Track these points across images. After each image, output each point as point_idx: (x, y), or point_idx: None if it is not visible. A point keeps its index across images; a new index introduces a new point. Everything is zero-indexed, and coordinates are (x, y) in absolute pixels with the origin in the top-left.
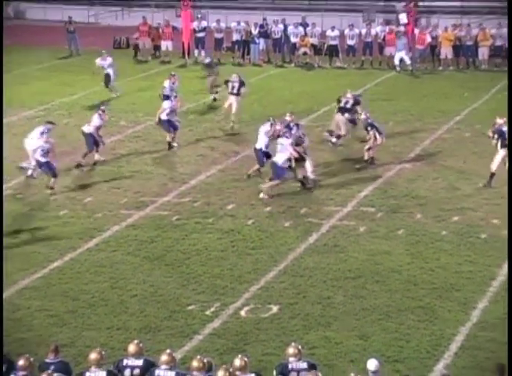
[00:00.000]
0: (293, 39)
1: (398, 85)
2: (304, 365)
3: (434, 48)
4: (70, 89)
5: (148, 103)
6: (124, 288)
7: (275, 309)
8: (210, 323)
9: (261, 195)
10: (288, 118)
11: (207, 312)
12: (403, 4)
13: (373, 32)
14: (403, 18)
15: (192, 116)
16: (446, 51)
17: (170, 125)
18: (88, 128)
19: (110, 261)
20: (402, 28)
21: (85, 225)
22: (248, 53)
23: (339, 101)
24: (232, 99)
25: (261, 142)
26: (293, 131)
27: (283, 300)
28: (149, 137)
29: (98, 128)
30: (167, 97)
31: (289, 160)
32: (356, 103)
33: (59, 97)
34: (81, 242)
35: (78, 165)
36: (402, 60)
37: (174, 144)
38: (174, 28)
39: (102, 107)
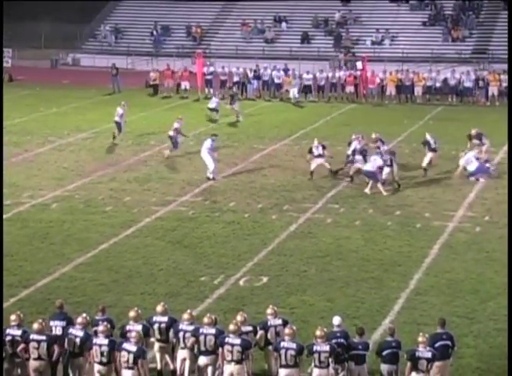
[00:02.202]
0: (276, 80)
1: (355, 115)
2: (280, 321)
3: (382, 87)
4: (113, 118)
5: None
6: (153, 264)
7: (265, 279)
8: (217, 290)
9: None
10: (374, 136)
11: (215, 282)
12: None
13: (337, 75)
14: (359, 65)
15: (203, 137)
16: (391, 89)
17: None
18: (171, 132)
19: (143, 244)
20: (358, 72)
21: (125, 218)
22: (245, 91)
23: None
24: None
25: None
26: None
27: (271, 273)
28: (172, 153)
29: (177, 131)
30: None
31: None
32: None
33: (105, 124)
34: (122, 230)
35: (167, 157)
36: (294, 94)
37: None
38: (190, 72)
39: (180, 117)
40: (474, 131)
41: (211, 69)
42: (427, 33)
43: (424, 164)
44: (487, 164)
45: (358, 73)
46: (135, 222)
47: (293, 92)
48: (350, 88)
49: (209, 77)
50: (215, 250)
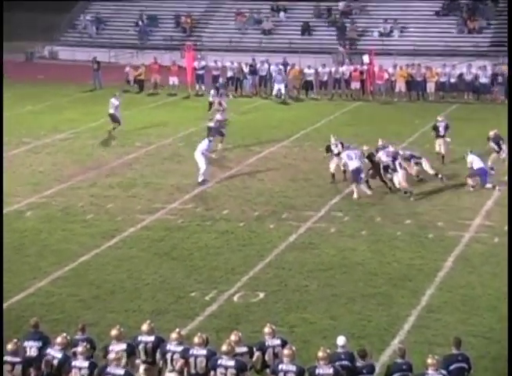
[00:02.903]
0: (274, 76)
1: (361, 114)
2: (278, 341)
3: (391, 83)
4: (94, 117)
5: (158, 127)
6: (138, 278)
7: (261, 295)
8: (209, 307)
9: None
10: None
11: (206, 298)
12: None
13: (340, 70)
14: (366, 59)
15: (194, 138)
16: (401, 85)
17: None
18: (211, 123)
19: (128, 256)
20: (365, 67)
21: (107, 227)
22: (240, 87)
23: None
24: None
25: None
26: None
27: (268, 288)
28: (159, 155)
29: (220, 121)
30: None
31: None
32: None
33: (86, 123)
34: (104, 240)
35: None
36: (279, 90)
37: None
38: (179, 67)
39: (221, 108)
40: (492, 133)
41: (203, 63)
42: (441, 23)
43: (437, 149)
44: (491, 171)
45: (365, 67)
46: (119, 231)
47: (280, 88)
48: (355, 85)
49: (200, 72)
50: (207, 262)
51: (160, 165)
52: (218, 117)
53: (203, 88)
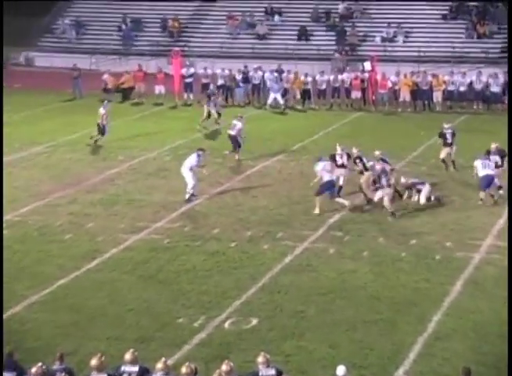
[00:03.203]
0: (269, 84)
1: (362, 125)
2: (273, 371)
3: (394, 92)
4: (73, 128)
5: (143, 140)
6: (121, 303)
7: (254, 321)
8: (198, 334)
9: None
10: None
11: (195, 325)
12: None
13: (340, 78)
14: (367, 66)
15: (181, 151)
16: (405, 94)
17: None
18: (232, 131)
19: (109, 279)
20: (366, 75)
21: (87, 248)
22: (232, 96)
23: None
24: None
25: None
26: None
27: (262, 313)
28: (144, 170)
29: (240, 131)
30: None
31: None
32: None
33: (64, 135)
34: (84, 262)
35: (238, 160)
36: (275, 100)
37: None
38: (166, 74)
39: (239, 115)
40: (493, 146)
41: (191, 70)
42: (448, 28)
43: (442, 156)
44: (497, 183)
45: (366, 75)
46: (100, 252)
47: (277, 97)
48: (356, 94)
49: (188, 80)
50: (195, 286)
51: (144, 181)
52: (239, 125)
53: (191, 97)
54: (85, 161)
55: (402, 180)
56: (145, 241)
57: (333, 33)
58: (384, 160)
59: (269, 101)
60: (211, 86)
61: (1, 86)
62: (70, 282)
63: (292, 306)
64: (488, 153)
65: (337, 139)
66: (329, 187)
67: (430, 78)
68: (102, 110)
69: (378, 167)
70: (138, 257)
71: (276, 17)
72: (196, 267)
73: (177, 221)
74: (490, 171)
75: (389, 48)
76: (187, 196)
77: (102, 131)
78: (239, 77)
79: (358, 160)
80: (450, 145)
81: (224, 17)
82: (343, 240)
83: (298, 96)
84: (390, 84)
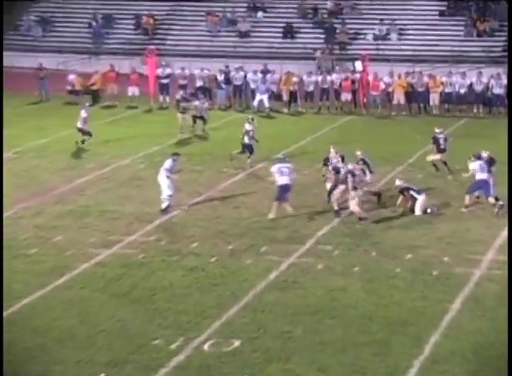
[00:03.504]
0: (252, 86)
1: (353, 129)
2: None
3: (388, 94)
4: (40, 133)
5: (115, 146)
6: (91, 324)
7: (237, 343)
8: (175, 357)
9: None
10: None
11: (172, 347)
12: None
13: (328, 79)
14: (358, 65)
15: (157, 158)
16: (399, 96)
17: None
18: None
19: (79, 297)
20: (357, 75)
21: (55, 264)
22: (211, 99)
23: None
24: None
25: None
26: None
27: (245, 335)
28: (116, 178)
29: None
30: None
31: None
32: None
33: (30, 140)
34: (51, 279)
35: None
36: (261, 101)
37: None
38: (140, 75)
39: (249, 117)
40: (485, 155)
41: (167, 71)
42: (446, 25)
43: (431, 158)
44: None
45: (357, 76)
46: (69, 268)
47: (263, 99)
48: (346, 96)
49: (164, 81)
50: (172, 305)
51: (117, 190)
52: (250, 128)
53: (167, 99)
54: (53, 169)
55: (397, 183)
56: (117, 256)
57: (321, 30)
58: (364, 161)
59: (255, 103)
60: (181, 92)
61: (1, 86)
62: (35, 301)
63: (277, 326)
64: (479, 158)
65: (325, 144)
66: (289, 190)
67: (426, 79)
68: (83, 113)
69: (350, 167)
70: (111, 273)
71: (260, 13)
72: (173, 284)
73: (152, 234)
74: (485, 176)
75: (382, 47)
76: (163, 205)
77: (86, 133)
78: (221, 77)
79: (361, 163)
80: (444, 151)
81: (203, 13)
82: (332, 255)
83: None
84: (383, 86)
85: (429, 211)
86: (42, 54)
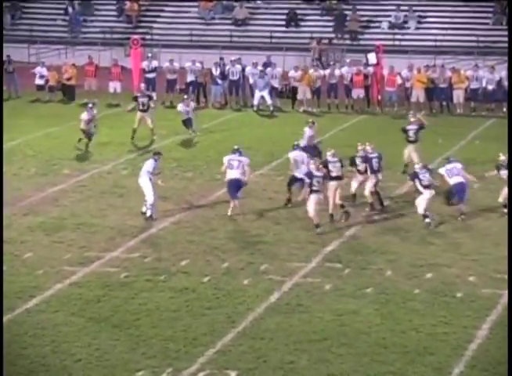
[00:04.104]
0: (251, 80)
1: (365, 131)
2: None
3: (405, 90)
4: (8, 135)
5: (94, 150)
6: (66, 352)
7: (233, 374)
8: None
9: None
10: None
11: None
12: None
13: (337, 73)
14: (372, 58)
15: (142, 164)
16: (418, 93)
17: None
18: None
19: (52, 322)
20: (370, 69)
21: (24, 284)
22: (205, 96)
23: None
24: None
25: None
26: None
27: (242, 365)
28: (95, 187)
29: (311, 139)
30: None
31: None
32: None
33: None
34: (20, 302)
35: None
36: (262, 99)
37: None
38: (122, 68)
39: (310, 120)
40: (503, 158)
41: (154, 64)
42: (471, 12)
43: (405, 157)
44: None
45: (371, 70)
46: (40, 289)
47: (263, 95)
48: (358, 92)
49: (150, 75)
50: (159, 331)
51: (96, 200)
52: (309, 132)
53: (154, 96)
54: (22, 176)
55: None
56: (96, 275)
57: (329, 17)
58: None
59: (255, 101)
60: (142, 86)
61: (1, 86)
62: (2, 326)
63: (279, 356)
64: (498, 168)
65: (335, 147)
66: (239, 187)
67: (449, 73)
68: (84, 116)
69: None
70: (89, 295)
71: None
72: (159, 307)
73: (136, 250)
74: (461, 179)
75: (398, 37)
76: (148, 212)
77: (88, 134)
78: (216, 72)
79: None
80: (414, 142)
81: None
82: (342, 274)
83: (309, 96)
84: (399, 81)
85: (427, 220)
86: (11, 44)
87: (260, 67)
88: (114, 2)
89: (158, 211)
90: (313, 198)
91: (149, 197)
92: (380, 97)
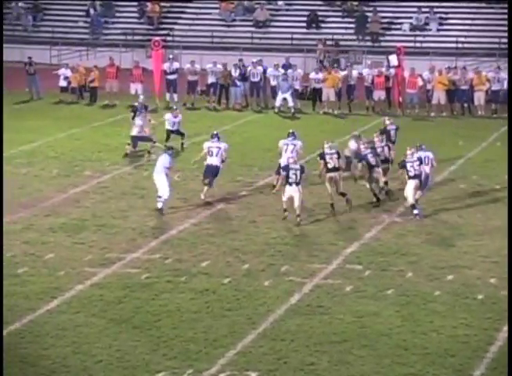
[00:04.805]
0: (273, 82)
1: None
2: None
3: (427, 92)
4: (30, 136)
5: (115, 151)
6: (87, 353)
7: (253, 375)
8: None
9: None
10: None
11: None
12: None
13: (354, 74)
14: (393, 60)
15: None
16: (439, 95)
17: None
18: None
19: (73, 323)
20: (392, 71)
21: (46, 285)
22: (226, 97)
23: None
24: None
25: None
26: None
27: (263, 366)
28: (116, 188)
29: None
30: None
31: None
32: None
33: (18, 145)
34: (42, 303)
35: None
36: (284, 100)
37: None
38: (144, 70)
39: (356, 133)
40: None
41: (175, 65)
42: (492, 13)
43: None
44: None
45: (392, 71)
46: (62, 290)
47: (287, 97)
48: (379, 94)
49: (171, 76)
50: (180, 332)
51: (117, 202)
52: (354, 146)
53: (175, 98)
54: (44, 177)
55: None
56: (117, 276)
57: (350, 19)
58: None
59: (277, 103)
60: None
61: (1, 86)
62: (23, 327)
63: (299, 357)
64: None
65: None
66: (216, 174)
67: (470, 75)
68: (138, 121)
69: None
70: (109, 296)
71: (280, 0)
72: (180, 309)
73: (157, 251)
74: (428, 169)
75: (419, 39)
76: (159, 204)
77: (181, 133)
78: (235, 73)
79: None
80: (393, 143)
81: (215, 1)
82: (362, 276)
83: (333, 98)
84: (421, 83)
85: (415, 211)
86: (33, 46)
87: (281, 69)
88: (136, 4)
89: (179, 212)
90: (287, 190)
91: (165, 193)
92: (400, 99)
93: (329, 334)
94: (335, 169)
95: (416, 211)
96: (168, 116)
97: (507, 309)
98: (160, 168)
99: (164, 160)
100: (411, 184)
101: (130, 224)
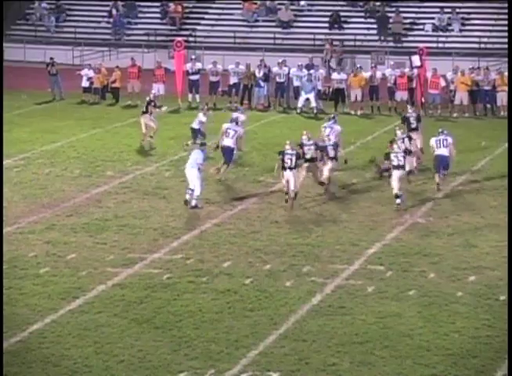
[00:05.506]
0: (296, 83)
1: None
2: None
3: (450, 92)
4: (52, 136)
5: (137, 151)
6: (109, 353)
7: None
8: None
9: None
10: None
11: None
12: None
13: (378, 75)
14: (416, 60)
15: (185, 165)
16: (462, 96)
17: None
18: None
19: (95, 323)
20: (414, 71)
21: (68, 285)
22: (249, 98)
23: None
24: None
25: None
26: None
27: (284, 367)
28: (138, 188)
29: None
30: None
31: None
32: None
33: (41, 145)
34: (63, 303)
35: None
36: (307, 101)
37: None
38: (166, 70)
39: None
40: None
41: (197, 66)
42: None
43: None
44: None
45: (415, 72)
46: (83, 290)
47: (310, 98)
48: (402, 95)
49: (194, 77)
50: (201, 332)
51: (139, 202)
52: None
53: (197, 98)
54: (66, 177)
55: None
56: (139, 276)
57: (372, 20)
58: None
59: (300, 103)
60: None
61: (1, 86)
62: (46, 327)
63: (321, 358)
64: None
65: (377, 151)
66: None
67: (493, 76)
68: (203, 117)
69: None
70: (131, 296)
71: (303, 1)
72: (202, 309)
73: (179, 251)
74: (445, 152)
75: (442, 39)
76: (193, 202)
77: (202, 134)
78: (259, 74)
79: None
80: (415, 129)
81: (238, 0)
82: (384, 276)
83: (359, 98)
84: (443, 84)
85: (398, 201)
86: (55, 47)
87: (305, 70)
88: (158, 5)
89: (201, 213)
90: (285, 174)
91: (197, 188)
92: (423, 99)
93: (351, 334)
94: (311, 160)
95: (398, 201)
96: (200, 116)
97: (507, 311)
98: (192, 164)
99: (196, 155)
100: (395, 174)
101: (152, 224)
